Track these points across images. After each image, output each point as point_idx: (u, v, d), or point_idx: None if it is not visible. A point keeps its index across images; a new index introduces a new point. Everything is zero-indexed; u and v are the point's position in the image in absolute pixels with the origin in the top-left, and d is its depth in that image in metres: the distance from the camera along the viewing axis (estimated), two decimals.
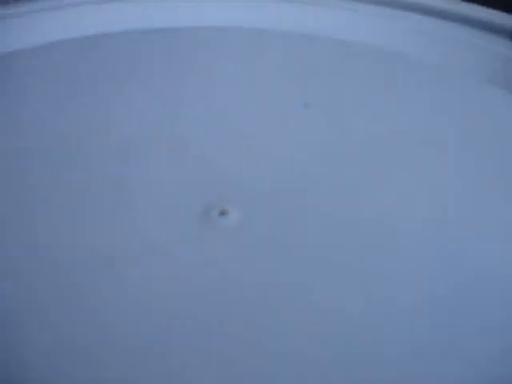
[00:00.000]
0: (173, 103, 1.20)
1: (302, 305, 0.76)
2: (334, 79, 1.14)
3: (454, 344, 0.73)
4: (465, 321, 0.76)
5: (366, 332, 0.72)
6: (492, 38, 1.08)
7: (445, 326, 0.75)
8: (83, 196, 1.00)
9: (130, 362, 0.73)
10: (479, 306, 0.81)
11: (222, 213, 0.79)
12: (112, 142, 1.08)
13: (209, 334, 0.74)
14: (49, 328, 0.79)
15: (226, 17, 1.26)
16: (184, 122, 1.11)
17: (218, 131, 1.10)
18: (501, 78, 1.02)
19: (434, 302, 0.77)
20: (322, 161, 0.97)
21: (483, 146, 0.99)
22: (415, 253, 0.80)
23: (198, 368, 0.72)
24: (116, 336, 0.78)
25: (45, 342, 0.75)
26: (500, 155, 0.96)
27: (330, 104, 1.07)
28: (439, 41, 1.12)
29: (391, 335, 0.70)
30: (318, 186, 0.94)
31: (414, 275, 0.79)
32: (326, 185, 0.93)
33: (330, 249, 0.83)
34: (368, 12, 1.18)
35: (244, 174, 0.93)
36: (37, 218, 0.91)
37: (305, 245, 0.84)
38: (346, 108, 1.07)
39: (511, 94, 0.99)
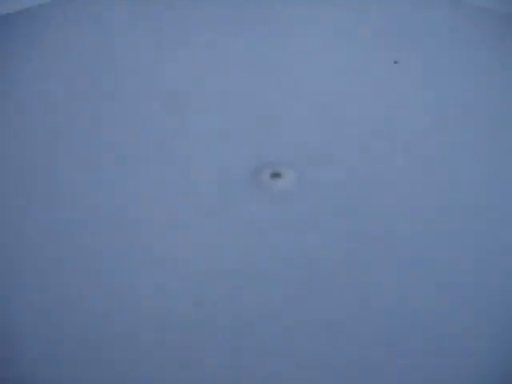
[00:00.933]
0: (238, 59, 1.14)
1: (353, 282, 0.76)
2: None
3: None
4: None
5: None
6: None
7: None
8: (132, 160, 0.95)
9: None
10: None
11: (275, 175, 0.77)
12: (164, 93, 1.03)
13: (245, 295, 0.72)
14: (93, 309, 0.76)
15: None
16: (253, 79, 1.05)
17: (279, 86, 1.06)
18: None
19: None
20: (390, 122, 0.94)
21: None
22: None
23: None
24: (168, 291, 0.76)
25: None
26: None
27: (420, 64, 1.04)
28: None
29: None
30: (383, 152, 0.92)
31: None
32: (391, 152, 0.91)
33: (390, 221, 0.83)
34: None
35: (302, 135, 0.90)
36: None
37: (364, 218, 0.83)
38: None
39: None
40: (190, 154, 0.87)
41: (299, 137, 0.87)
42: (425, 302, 0.76)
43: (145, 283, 0.72)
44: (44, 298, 0.71)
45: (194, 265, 0.73)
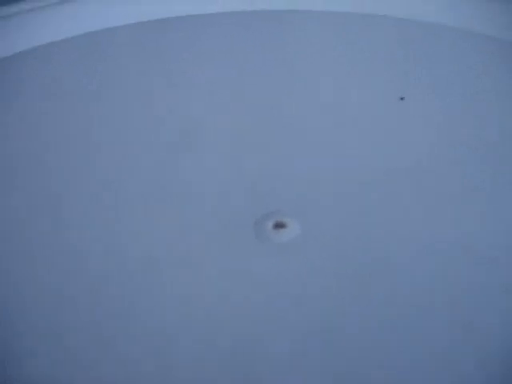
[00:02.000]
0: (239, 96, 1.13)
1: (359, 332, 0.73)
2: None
3: None
4: None
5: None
6: None
7: None
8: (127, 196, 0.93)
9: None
10: None
11: (278, 225, 0.71)
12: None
13: (250, 353, 0.70)
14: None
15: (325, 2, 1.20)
16: (250, 120, 1.03)
17: (281, 131, 1.03)
18: None
19: None
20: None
21: None
22: None
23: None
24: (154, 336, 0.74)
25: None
26: None
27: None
28: None
29: None
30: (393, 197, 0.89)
31: None
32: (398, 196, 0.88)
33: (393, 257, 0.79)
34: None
35: (306, 182, 0.86)
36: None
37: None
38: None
39: None
40: (187, 201, 0.83)
41: (304, 184, 0.82)
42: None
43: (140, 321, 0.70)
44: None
45: (183, 313, 0.70)
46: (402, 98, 0.91)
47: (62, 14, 1.14)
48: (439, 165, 1.01)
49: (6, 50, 1.04)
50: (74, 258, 0.84)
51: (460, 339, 0.70)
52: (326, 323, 0.69)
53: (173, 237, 0.80)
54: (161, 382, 0.65)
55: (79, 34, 1.12)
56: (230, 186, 0.87)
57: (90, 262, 0.81)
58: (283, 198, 0.81)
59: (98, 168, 0.98)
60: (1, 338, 0.69)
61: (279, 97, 1.15)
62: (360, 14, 1.14)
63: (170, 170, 0.92)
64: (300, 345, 0.68)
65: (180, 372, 0.66)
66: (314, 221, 0.77)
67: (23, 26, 1.08)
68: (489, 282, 0.81)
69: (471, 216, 0.87)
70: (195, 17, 1.14)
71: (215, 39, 1.17)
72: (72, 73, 1.08)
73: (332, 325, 0.69)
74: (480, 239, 0.85)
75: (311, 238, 0.76)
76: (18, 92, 1.05)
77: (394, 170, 0.94)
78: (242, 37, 1.17)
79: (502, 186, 0.95)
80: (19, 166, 0.96)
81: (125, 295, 0.75)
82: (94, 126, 1.01)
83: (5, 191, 0.90)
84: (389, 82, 1.05)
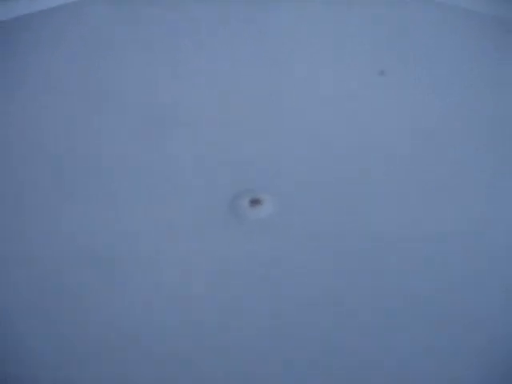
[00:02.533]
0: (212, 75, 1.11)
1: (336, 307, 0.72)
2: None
3: None
4: None
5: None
6: None
7: None
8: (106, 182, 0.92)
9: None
10: None
11: (254, 202, 0.71)
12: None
13: (226, 328, 0.70)
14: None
15: None
16: (233, 100, 1.03)
17: (258, 103, 1.02)
18: None
19: None
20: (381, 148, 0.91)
21: None
22: None
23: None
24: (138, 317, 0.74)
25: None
26: None
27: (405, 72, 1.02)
28: None
29: None
30: (372, 175, 0.88)
31: None
32: (380, 173, 0.87)
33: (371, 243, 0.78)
34: None
35: (283, 159, 0.86)
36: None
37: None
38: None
39: None
40: (165, 177, 0.83)
41: (282, 162, 0.83)
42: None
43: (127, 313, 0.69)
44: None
45: (163, 291, 0.70)
46: (382, 72, 0.91)
47: None
48: (415, 137, 1.01)
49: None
50: (64, 238, 0.84)
51: (451, 325, 0.70)
52: (301, 297, 0.70)
53: (152, 214, 0.80)
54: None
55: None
56: (208, 165, 0.87)
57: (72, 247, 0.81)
58: (259, 176, 0.82)
59: (84, 157, 0.98)
60: None
61: (257, 76, 1.15)
62: None
63: (152, 154, 0.92)
64: (277, 319, 0.68)
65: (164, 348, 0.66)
66: (290, 197, 0.77)
67: None
68: (480, 267, 0.81)
69: (459, 197, 0.87)
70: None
71: (212, 26, 1.17)
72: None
73: (307, 299, 0.70)
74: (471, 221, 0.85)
75: (287, 214, 0.77)
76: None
77: (370, 144, 0.95)
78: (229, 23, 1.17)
79: (495, 163, 0.94)
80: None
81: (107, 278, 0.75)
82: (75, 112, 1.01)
83: None
84: (370, 57, 1.06)
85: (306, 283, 0.71)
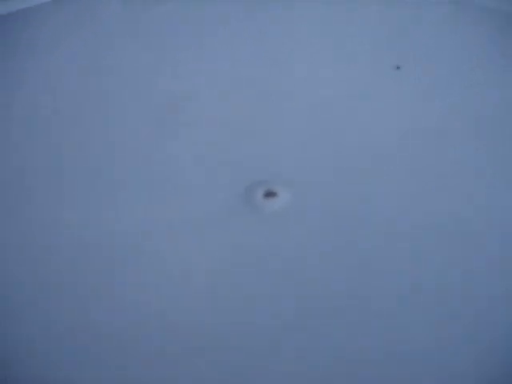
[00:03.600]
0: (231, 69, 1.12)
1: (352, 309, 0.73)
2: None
3: None
4: None
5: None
6: None
7: None
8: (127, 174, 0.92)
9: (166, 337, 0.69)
10: None
11: (268, 194, 0.72)
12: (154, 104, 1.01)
13: (233, 316, 0.70)
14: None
15: None
16: (249, 94, 1.03)
17: (276, 101, 1.03)
18: None
19: None
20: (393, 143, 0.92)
21: None
22: None
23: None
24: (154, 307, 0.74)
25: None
26: None
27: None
28: None
29: None
30: (385, 167, 0.90)
31: None
32: (392, 167, 0.88)
33: (383, 240, 0.80)
34: None
35: (298, 151, 0.87)
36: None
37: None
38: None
39: None
40: (179, 170, 0.84)
41: (295, 155, 0.84)
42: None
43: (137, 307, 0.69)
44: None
45: (188, 287, 0.70)
46: (398, 67, 0.93)
47: None
48: (429, 136, 1.02)
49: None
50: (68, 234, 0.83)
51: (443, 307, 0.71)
52: (315, 287, 0.71)
53: (168, 209, 0.81)
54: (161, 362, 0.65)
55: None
56: (220, 159, 0.88)
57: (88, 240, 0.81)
58: (274, 169, 0.83)
59: (90, 153, 0.98)
60: None
61: (271, 74, 1.16)
62: None
63: (161, 148, 0.93)
64: (289, 309, 0.69)
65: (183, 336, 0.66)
66: (304, 189, 0.79)
67: None
68: (473, 255, 0.83)
69: (459, 189, 0.88)
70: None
71: (214, 24, 1.18)
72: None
73: (322, 288, 0.71)
74: (465, 213, 0.87)
75: (301, 205, 0.78)
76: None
77: (385, 142, 0.96)
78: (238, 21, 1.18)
79: (496, 161, 0.96)
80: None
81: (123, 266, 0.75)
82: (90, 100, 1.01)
83: None
84: (385, 53, 1.07)
85: (324, 276, 0.71)
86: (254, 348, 0.65)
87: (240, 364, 0.66)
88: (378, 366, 0.64)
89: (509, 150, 1.06)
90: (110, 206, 0.90)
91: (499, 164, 0.94)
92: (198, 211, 0.77)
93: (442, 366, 0.70)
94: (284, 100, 1.12)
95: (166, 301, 0.69)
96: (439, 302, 0.69)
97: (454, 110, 1.01)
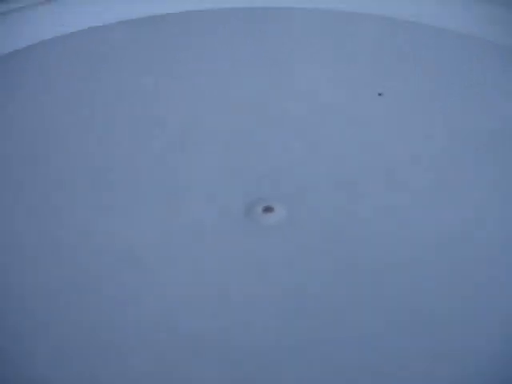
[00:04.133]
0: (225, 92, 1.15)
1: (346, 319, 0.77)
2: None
3: None
4: None
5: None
6: None
7: None
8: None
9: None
10: None
11: (267, 209, 0.78)
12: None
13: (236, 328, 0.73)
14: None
15: None
16: (246, 116, 1.07)
17: (268, 122, 1.07)
18: None
19: None
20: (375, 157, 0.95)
21: None
22: None
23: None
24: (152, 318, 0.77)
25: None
26: None
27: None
28: None
29: None
30: (371, 180, 0.93)
31: None
32: (378, 179, 0.92)
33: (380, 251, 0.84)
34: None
35: (294, 168, 0.91)
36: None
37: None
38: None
39: None
40: (181, 190, 0.86)
41: (291, 171, 0.87)
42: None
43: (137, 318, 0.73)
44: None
45: (186, 299, 0.73)
46: (379, 94, 0.97)
47: (50, 13, 1.19)
48: (431, 158, 1.04)
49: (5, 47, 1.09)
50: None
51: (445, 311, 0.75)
52: (310, 300, 0.74)
53: (170, 224, 0.84)
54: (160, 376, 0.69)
55: (66, 33, 1.16)
56: (222, 177, 0.92)
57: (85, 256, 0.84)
58: (272, 185, 0.88)
59: (93, 167, 1.02)
60: None
61: (267, 91, 1.20)
62: (345, 12, 1.20)
63: (166, 165, 0.96)
64: (286, 322, 0.73)
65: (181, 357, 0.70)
66: (300, 205, 0.83)
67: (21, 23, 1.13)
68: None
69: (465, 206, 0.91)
70: (190, 13, 1.18)
71: (209, 36, 1.21)
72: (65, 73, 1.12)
73: (318, 302, 0.74)
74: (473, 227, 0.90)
75: (297, 220, 0.83)
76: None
77: (368, 148, 0.99)
78: (235, 34, 1.21)
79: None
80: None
81: (128, 283, 0.78)
82: (89, 126, 1.05)
83: None
84: (370, 78, 1.12)
85: (324, 284, 0.75)
86: (245, 362, 0.67)
87: None
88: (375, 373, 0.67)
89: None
90: (107, 213, 0.92)
91: (501, 180, 0.95)
92: (198, 223, 0.81)
93: None
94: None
95: (159, 309, 0.72)
96: (437, 329, 0.71)
97: (454, 130, 1.02)
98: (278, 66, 1.14)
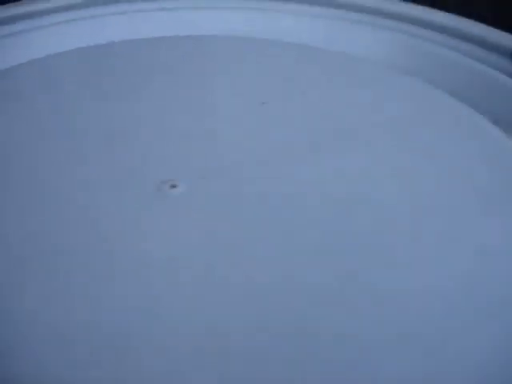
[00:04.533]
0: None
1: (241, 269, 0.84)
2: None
3: None
4: None
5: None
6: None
7: None
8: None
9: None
10: None
11: (173, 186, 0.91)
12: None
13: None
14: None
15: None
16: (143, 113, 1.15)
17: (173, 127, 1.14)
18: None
19: None
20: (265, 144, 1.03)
21: None
22: None
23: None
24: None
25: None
26: None
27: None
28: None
29: None
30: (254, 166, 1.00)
31: None
32: (267, 165, 0.99)
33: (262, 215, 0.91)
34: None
35: (193, 154, 1.02)
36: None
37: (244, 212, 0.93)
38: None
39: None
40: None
41: (195, 155, 0.93)
42: None
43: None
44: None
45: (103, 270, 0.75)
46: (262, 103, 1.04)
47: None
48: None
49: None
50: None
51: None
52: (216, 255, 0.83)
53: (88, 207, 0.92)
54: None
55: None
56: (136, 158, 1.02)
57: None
58: (177, 166, 0.99)
59: None
60: None
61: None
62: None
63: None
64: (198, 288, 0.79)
65: None
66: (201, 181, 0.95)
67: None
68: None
69: None
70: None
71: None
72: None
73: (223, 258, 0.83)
74: None
75: (199, 193, 0.94)
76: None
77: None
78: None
79: None
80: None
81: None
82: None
83: None
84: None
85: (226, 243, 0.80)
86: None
87: None
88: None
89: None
90: None
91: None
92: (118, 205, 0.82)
93: None
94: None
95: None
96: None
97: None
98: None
